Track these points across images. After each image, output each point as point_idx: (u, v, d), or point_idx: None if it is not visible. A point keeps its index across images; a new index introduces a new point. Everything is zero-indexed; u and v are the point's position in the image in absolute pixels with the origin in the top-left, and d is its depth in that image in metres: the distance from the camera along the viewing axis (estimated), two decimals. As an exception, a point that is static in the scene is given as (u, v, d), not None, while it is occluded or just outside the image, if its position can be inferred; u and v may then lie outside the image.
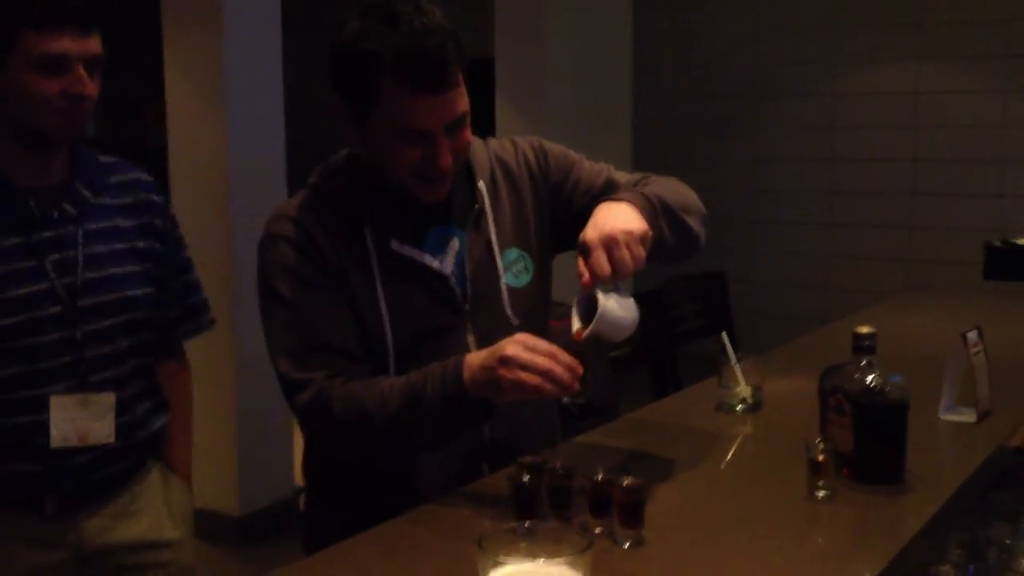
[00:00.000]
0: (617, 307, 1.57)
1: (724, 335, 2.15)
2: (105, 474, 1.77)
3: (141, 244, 1.82)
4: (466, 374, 1.56)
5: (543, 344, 1.53)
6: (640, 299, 1.96)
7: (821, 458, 1.63)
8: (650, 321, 2.20)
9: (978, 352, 2.03)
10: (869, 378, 1.68)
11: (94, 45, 1.66)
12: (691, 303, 3.50)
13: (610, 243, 1.56)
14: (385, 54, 1.57)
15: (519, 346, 1.52)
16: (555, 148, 1.90)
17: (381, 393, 1.61)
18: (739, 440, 2.00)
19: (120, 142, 6.43)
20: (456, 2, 6.78)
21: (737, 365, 2.11)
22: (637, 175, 1.90)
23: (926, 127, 5.19)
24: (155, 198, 1.88)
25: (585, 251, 1.58)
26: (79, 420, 1.69)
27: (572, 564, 1.03)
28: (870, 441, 1.68)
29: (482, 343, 1.72)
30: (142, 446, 1.83)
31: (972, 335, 2.03)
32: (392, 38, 1.57)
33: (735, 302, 5.33)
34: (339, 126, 1.70)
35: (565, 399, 1.57)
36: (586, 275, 1.57)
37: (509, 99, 5.00)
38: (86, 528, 1.76)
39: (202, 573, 1.75)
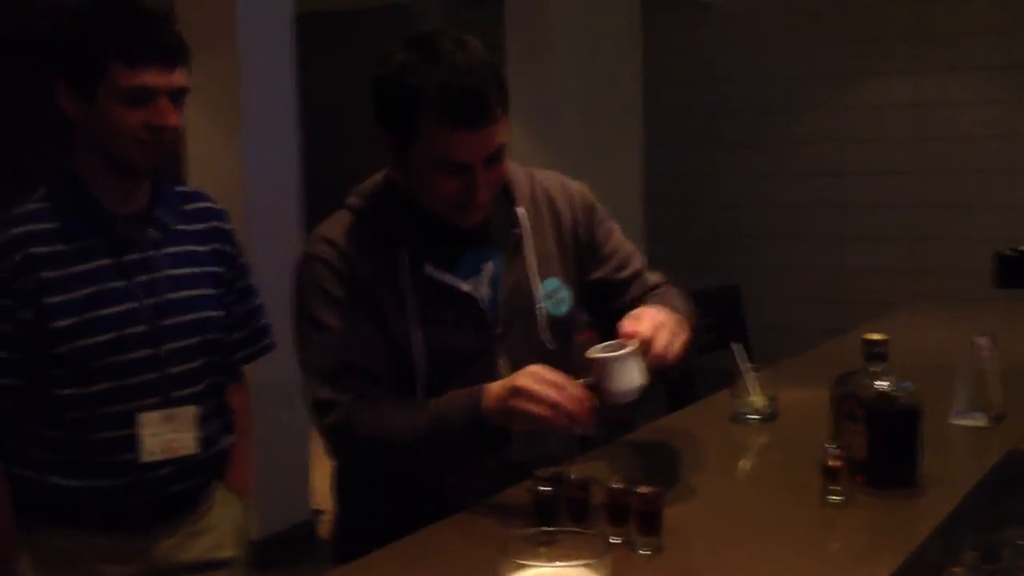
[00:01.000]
0: (635, 367, 1.59)
1: (739, 347, 2.18)
2: (182, 488, 1.82)
3: (213, 269, 1.88)
4: (484, 403, 1.60)
5: (554, 376, 1.56)
6: None
7: (835, 464, 1.66)
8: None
9: (990, 357, 2.06)
10: (881, 384, 1.71)
11: (179, 78, 1.72)
12: (704, 317, 3.52)
13: (662, 326, 1.63)
14: (426, 90, 1.60)
15: (531, 377, 1.56)
16: (600, 208, 1.94)
17: (408, 415, 1.65)
18: (754, 449, 2.03)
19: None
20: (466, 22, 6.87)
21: (751, 376, 2.13)
22: (659, 277, 1.96)
23: (934, 139, 5.21)
24: (224, 226, 1.94)
25: (640, 318, 1.64)
26: (165, 434, 1.76)
27: (592, 568, 1.06)
28: (883, 446, 1.70)
29: (515, 367, 1.73)
30: (214, 463, 1.88)
31: (983, 340, 2.05)
32: (433, 74, 1.60)
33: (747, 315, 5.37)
34: (382, 152, 1.73)
35: (578, 431, 1.59)
36: (630, 328, 1.61)
37: (520, 119, 5.04)
38: (162, 546, 1.81)
39: None
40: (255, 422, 3.90)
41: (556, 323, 1.82)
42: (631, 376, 1.59)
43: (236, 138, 3.95)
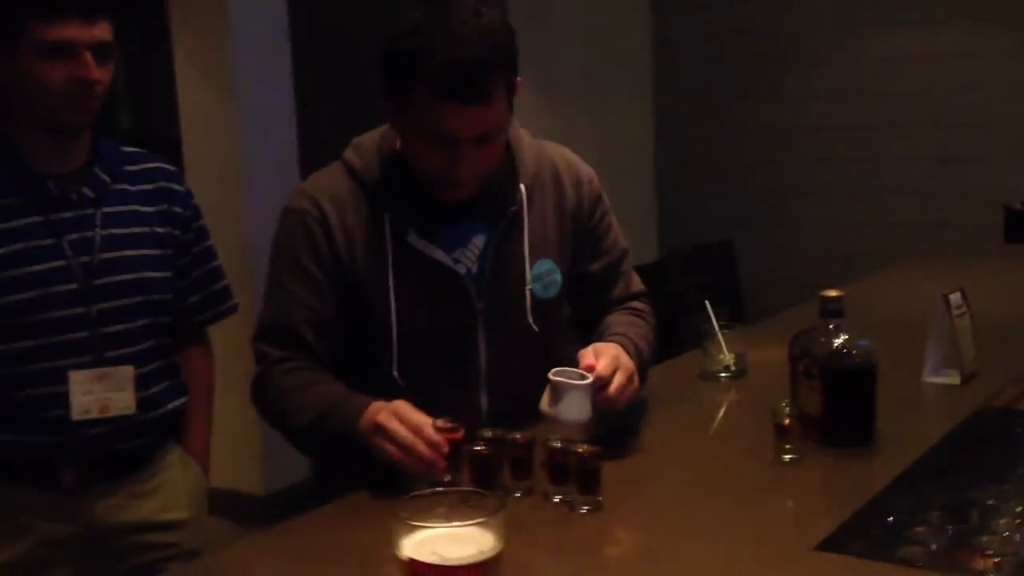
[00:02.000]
0: (587, 401, 1.59)
1: (707, 304, 2.16)
2: (121, 449, 1.81)
3: (160, 230, 1.86)
4: (358, 421, 1.57)
5: (414, 418, 1.52)
6: (640, 272, 2.00)
7: (787, 422, 1.64)
8: (649, 294, 2.21)
9: (962, 314, 2.02)
10: (836, 341, 1.69)
11: (100, 32, 1.70)
12: (696, 275, 3.49)
13: (622, 368, 1.64)
14: (423, 57, 1.56)
15: (391, 415, 1.53)
16: (606, 200, 1.91)
17: (303, 400, 1.66)
18: (716, 407, 2.01)
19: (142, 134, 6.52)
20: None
21: (720, 333, 2.11)
22: (640, 287, 1.97)
23: (947, 91, 5.11)
24: (176, 187, 1.92)
25: (601, 354, 1.64)
26: (99, 393, 1.75)
27: (485, 526, 1.05)
28: (838, 404, 1.68)
29: (493, 346, 1.75)
30: (158, 424, 1.87)
31: (955, 297, 2.02)
32: (436, 42, 1.55)
33: (759, 273, 5.33)
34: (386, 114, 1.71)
35: (430, 477, 1.52)
36: (589, 362, 1.61)
37: (524, 76, 4.99)
38: (100, 506, 1.81)
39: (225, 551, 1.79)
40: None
41: (543, 306, 1.79)
42: (580, 408, 1.59)
43: (231, 102, 3.94)
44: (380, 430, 1.52)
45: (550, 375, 1.59)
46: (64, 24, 1.66)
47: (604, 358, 1.63)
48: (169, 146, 4.22)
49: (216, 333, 2.00)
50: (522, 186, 1.77)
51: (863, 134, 5.33)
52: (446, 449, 1.50)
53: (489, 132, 1.62)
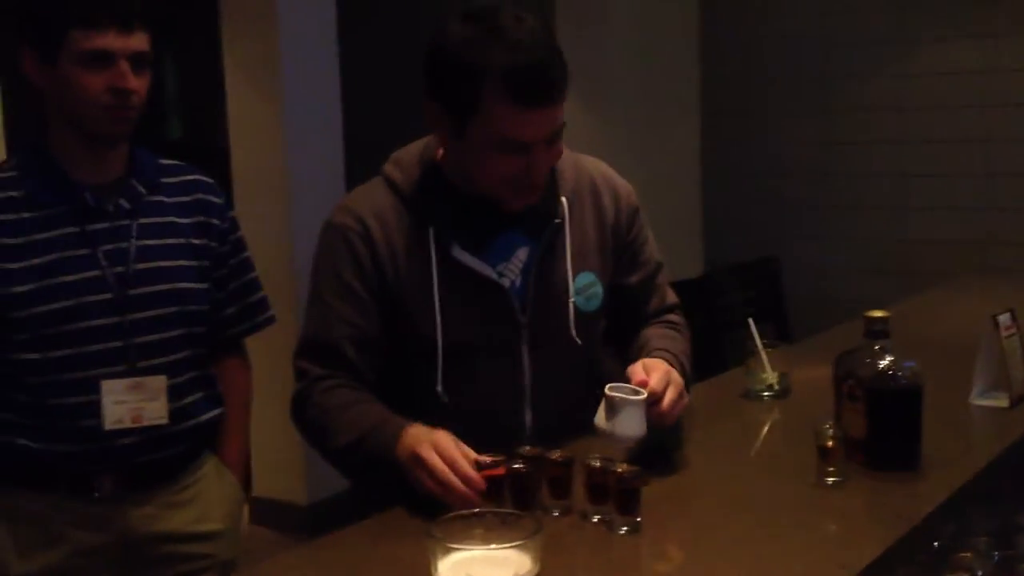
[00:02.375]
0: (642, 417, 1.59)
1: (751, 321, 2.14)
2: (155, 459, 1.83)
3: (196, 241, 1.88)
4: (395, 446, 1.57)
5: (452, 453, 1.50)
6: (684, 287, 2.00)
7: (830, 444, 1.61)
8: (693, 310, 2.19)
9: (1011, 335, 1.99)
10: (881, 363, 1.66)
11: (138, 42, 1.73)
12: (741, 291, 3.46)
13: (673, 384, 1.64)
14: (491, 67, 1.56)
15: (430, 448, 1.51)
16: (643, 214, 1.91)
17: (342, 420, 1.66)
18: (759, 427, 1.99)
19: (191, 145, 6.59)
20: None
21: (763, 352, 2.09)
22: (675, 299, 1.96)
23: (998, 106, 5.03)
24: (213, 199, 1.94)
25: (648, 369, 1.64)
26: (131, 403, 1.77)
27: (522, 549, 1.04)
28: (882, 427, 1.66)
29: (537, 361, 1.74)
30: (192, 435, 1.88)
31: (1004, 318, 1.98)
32: (499, 50, 1.56)
33: (806, 289, 5.27)
34: (432, 129, 1.72)
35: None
36: (642, 378, 1.61)
37: (571, 91, 4.99)
38: (134, 515, 1.82)
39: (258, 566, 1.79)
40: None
41: (585, 319, 1.78)
42: (637, 424, 1.58)
43: (279, 112, 3.97)
44: (419, 461, 1.51)
45: (606, 390, 1.59)
46: (102, 33, 1.69)
47: (656, 373, 1.63)
48: (217, 156, 4.27)
49: (260, 344, 2.01)
50: (563, 199, 1.77)
51: (913, 148, 5.26)
52: (483, 487, 1.48)
53: (557, 131, 1.64)
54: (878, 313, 1.68)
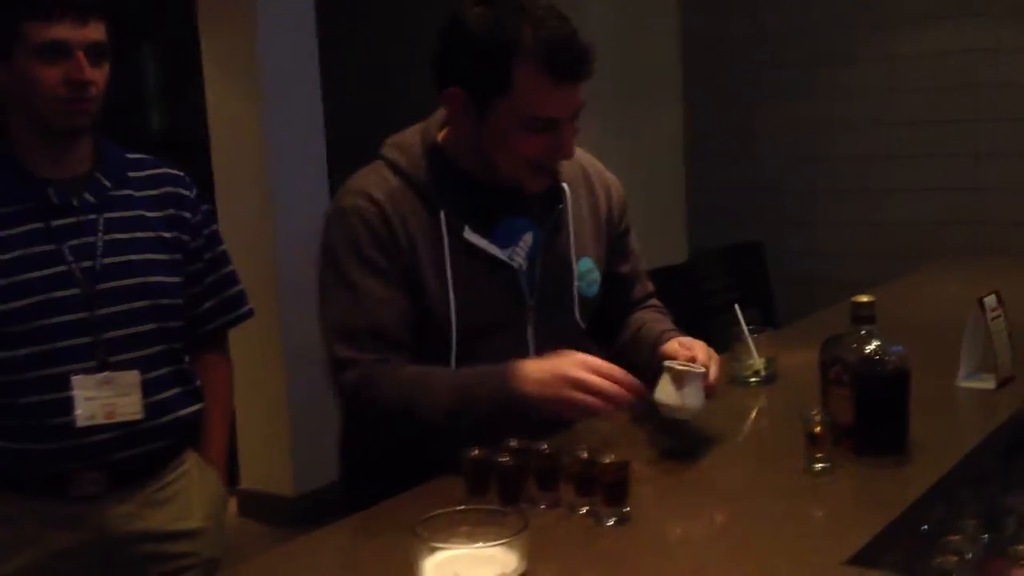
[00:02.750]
0: (702, 396, 1.67)
1: (736, 307, 2.13)
2: (132, 455, 1.81)
3: (167, 235, 1.86)
4: (519, 384, 1.59)
5: (606, 367, 1.56)
6: (668, 273, 2.02)
7: (818, 430, 1.61)
8: (678, 295, 2.19)
9: (997, 317, 1.98)
10: (868, 348, 1.65)
11: (94, 33, 1.72)
12: (725, 276, 3.46)
13: (719, 365, 1.76)
14: (524, 43, 1.59)
15: (585, 369, 1.55)
16: (627, 207, 1.98)
17: (430, 387, 1.64)
18: (745, 413, 1.98)
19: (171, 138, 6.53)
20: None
21: (750, 337, 2.08)
22: (651, 287, 2.05)
23: (984, 86, 5.03)
24: (185, 192, 1.92)
25: (690, 346, 1.74)
26: (103, 398, 1.75)
27: (508, 547, 1.03)
28: (870, 412, 1.65)
29: (541, 341, 1.75)
30: (169, 430, 1.86)
31: (990, 300, 1.98)
32: (529, 27, 1.59)
33: (792, 273, 5.27)
34: (452, 116, 1.72)
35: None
36: (703, 358, 1.70)
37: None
38: (113, 514, 1.80)
39: (257, 553, 1.77)
40: (288, 385, 3.97)
41: (585, 304, 1.83)
42: (699, 395, 1.65)
43: (258, 106, 3.94)
44: (578, 384, 1.55)
45: (666, 364, 1.66)
46: (57, 24, 1.67)
47: (699, 349, 1.72)
48: (198, 149, 4.24)
49: (246, 337, 1.99)
50: (565, 185, 1.80)
51: (898, 131, 5.26)
52: (644, 392, 1.59)
53: (580, 108, 1.67)
54: (864, 298, 1.67)
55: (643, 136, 5.15)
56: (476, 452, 1.51)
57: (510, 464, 1.49)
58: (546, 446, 1.53)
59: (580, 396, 1.55)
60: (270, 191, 3.93)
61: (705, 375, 1.67)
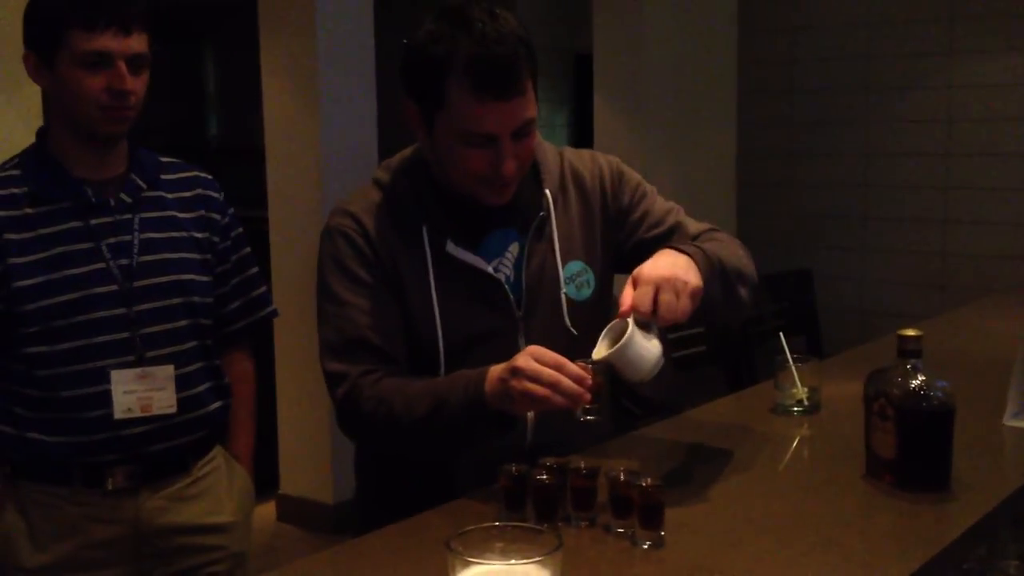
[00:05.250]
0: (643, 346, 1.54)
1: (781, 335, 2.12)
2: (165, 448, 1.85)
3: (199, 235, 1.92)
4: (487, 386, 1.57)
5: (551, 356, 1.52)
6: None
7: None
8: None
9: (1046, 356, 1.95)
10: (913, 383, 1.63)
11: (136, 44, 1.77)
12: (773, 303, 3.44)
13: (663, 284, 1.54)
14: (454, 59, 1.59)
15: (528, 357, 1.52)
16: (632, 175, 1.90)
17: (409, 396, 1.63)
18: (786, 442, 1.97)
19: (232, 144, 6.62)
20: (555, -1, 6.77)
21: (794, 366, 2.07)
22: (704, 225, 1.88)
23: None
24: (213, 194, 1.98)
25: (635, 283, 1.57)
26: (140, 392, 1.80)
27: (542, 564, 1.04)
28: (912, 447, 1.63)
29: None
30: (202, 424, 1.91)
31: (1039, 338, 1.95)
32: (462, 43, 1.59)
33: (844, 301, 5.22)
34: (408, 125, 1.74)
35: (580, 413, 1.55)
36: (627, 304, 1.55)
37: (607, 95, 4.98)
38: (147, 507, 1.85)
39: (295, 558, 1.79)
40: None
41: (578, 308, 1.79)
42: (642, 357, 1.54)
43: (315, 113, 3.98)
44: (520, 372, 1.51)
45: (595, 355, 1.55)
46: (101, 35, 1.73)
47: (641, 282, 1.55)
48: (254, 156, 4.30)
49: (291, 344, 2.01)
50: (547, 191, 1.79)
51: (955, 161, 5.20)
52: (591, 381, 1.50)
53: (524, 125, 1.64)
54: (911, 332, 1.65)
55: (696, 159, 5.14)
56: (514, 468, 1.51)
57: (547, 482, 1.49)
58: (583, 464, 1.53)
59: (523, 385, 1.50)
60: (323, 198, 3.96)
61: (655, 312, 1.53)
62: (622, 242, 1.86)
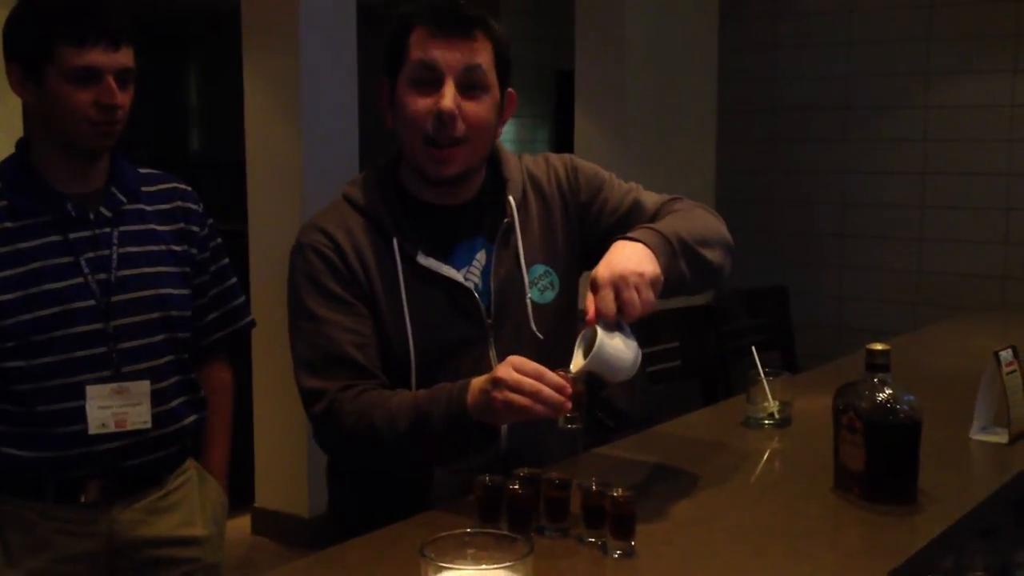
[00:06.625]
0: (617, 348, 1.56)
1: (753, 350, 2.15)
2: (139, 463, 1.85)
3: (177, 248, 1.92)
4: (469, 398, 1.58)
5: (531, 365, 1.53)
6: (692, 313, 1.99)
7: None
8: (702, 335, 2.20)
9: (1012, 372, 1.99)
10: (880, 396, 1.67)
11: (124, 58, 1.78)
12: (749, 318, 3.47)
13: (620, 283, 1.56)
14: (416, 13, 1.71)
15: (508, 367, 1.53)
16: (586, 167, 1.92)
17: (390, 411, 1.64)
18: (757, 455, 1.99)
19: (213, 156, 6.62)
20: (537, 14, 6.81)
21: (765, 380, 2.10)
22: (663, 197, 1.91)
23: (1021, 141, 5.03)
24: (193, 206, 1.98)
25: (594, 288, 1.58)
26: (115, 407, 1.80)
27: (512, 569, 1.06)
28: (880, 460, 1.66)
29: (504, 359, 1.74)
30: (175, 439, 1.91)
31: (1005, 354, 1.99)
32: (425, 3, 1.72)
33: (819, 317, 5.27)
34: (382, 117, 1.79)
35: (561, 422, 1.57)
36: (591, 312, 1.57)
37: (588, 111, 5.02)
38: (119, 520, 1.85)
39: (271, 572, 1.81)
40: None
41: (543, 312, 1.81)
42: (618, 359, 1.56)
43: (296, 127, 4.00)
44: (500, 383, 1.52)
45: (571, 370, 1.57)
46: (90, 50, 1.73)
47: (599, 291, 1.56)
48: (234, 169, 4.31)
49: (267, 357, 2.02)
50: (511, 198, 1.81)
51: (932, 180, 5.26)
52: (571, 390, 1.51)
53: (474, 76, 1.70)
54: (878, 346, 1.68)
55: (675, 176, 5.16)
56: (488, 479, 1.53)
57: (521, 492, 1.51)
58: (556, 475, 1.55)
59: (503, 395, 1.51)
60: (303, 214, 3.98)
61: (620, 311, 1.55)
62: (590, 235, 1.87)
